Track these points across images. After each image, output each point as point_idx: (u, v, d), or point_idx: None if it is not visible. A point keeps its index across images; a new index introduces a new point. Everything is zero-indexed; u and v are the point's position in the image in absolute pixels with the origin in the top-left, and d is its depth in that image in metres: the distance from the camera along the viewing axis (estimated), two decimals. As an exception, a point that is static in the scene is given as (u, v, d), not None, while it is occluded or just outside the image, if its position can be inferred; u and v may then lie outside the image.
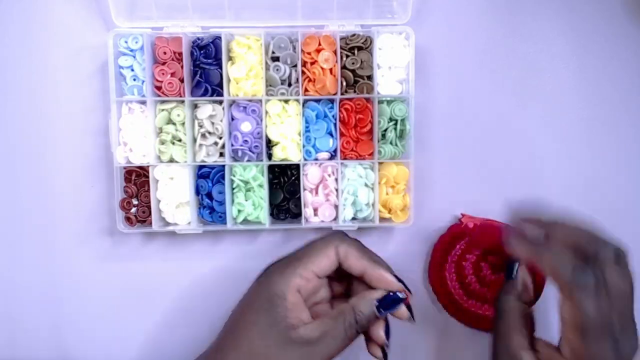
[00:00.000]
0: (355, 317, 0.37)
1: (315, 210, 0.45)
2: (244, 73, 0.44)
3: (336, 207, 0.45)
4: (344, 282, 0.41)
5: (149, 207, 0.45)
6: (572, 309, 0.33)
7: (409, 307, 0.39)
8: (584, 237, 0.35)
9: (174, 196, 0.45)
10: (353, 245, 0.39)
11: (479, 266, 0.46)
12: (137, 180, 0.45)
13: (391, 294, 0.38)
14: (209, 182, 0.45)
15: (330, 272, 0.39)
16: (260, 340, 0.36)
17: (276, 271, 0.38)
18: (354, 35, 0.44)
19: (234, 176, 0.45)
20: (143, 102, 0.44)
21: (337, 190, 0.45)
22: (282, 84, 0.45)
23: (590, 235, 0.35)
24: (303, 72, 0.44)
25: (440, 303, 0.47)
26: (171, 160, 0.45)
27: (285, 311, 0.36)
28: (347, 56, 0.44)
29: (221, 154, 0.45)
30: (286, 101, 0.45)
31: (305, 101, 0.45)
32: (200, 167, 0.45)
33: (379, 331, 0.38)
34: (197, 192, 0.45)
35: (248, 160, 0.45)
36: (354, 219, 0.46)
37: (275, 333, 0.36)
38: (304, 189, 0.45)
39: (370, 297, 0.37)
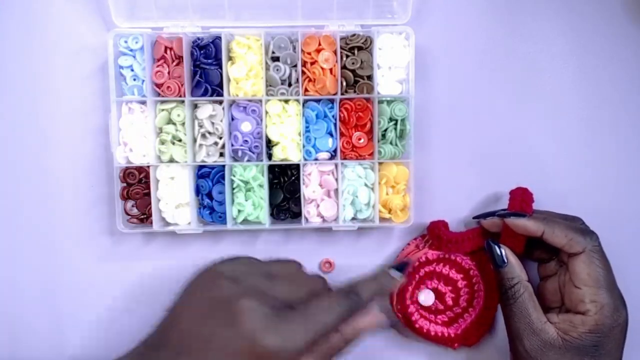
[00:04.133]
0: (342, 340, 0.37)
1: (316, 210, 0.45)
2: (244, 73, 0.44)
3: (336, 207, 0.45)
4: None
5: (149, 207, 0.45)
6: (588, 267, 0.40)
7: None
8: (570, 231, 0.41)
9: (174, 196, 0.45)
10: None
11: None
12: (137, 180, 0.45)
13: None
14: (209, 182, 0.45)
15: None
16: (219, 352, 0.33)
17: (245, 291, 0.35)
18: (354, 35, 0.44)
19: (234, 176, 0.45)
20: (143, 102, 0.44)
21: (337, 190, 0.45)
22: (282, 84, 0.45)
23: (573, 232, 0.41)
24: (303, 72, 0.44)
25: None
26: (171, 161, 0.45)
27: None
28: (347, 56, 0.44)
29: (221, 154, 0.45)
30: (286, 101, 0.45)
31: (305, 101, 0.45)
32: (200, 167, 0.45)
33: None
34: (197, 192, 0.45)
35: (248, 160, 0.45)
36: (353, 219, 0.46)
37: (240, 346, 0.33)
38: (304, 189, 0.45)
39: (359, 327, 0.38)
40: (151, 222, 0.45)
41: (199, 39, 0.44)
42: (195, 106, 0.45)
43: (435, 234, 0.46)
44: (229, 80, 0.44)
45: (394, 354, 0.48)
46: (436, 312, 0.46)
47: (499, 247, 0.43)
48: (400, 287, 0.44)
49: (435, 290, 0.46)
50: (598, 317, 0.39)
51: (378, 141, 0.44)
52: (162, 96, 0.44)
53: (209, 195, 0.45)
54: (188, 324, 0.35)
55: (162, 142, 0.45)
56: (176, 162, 0.45)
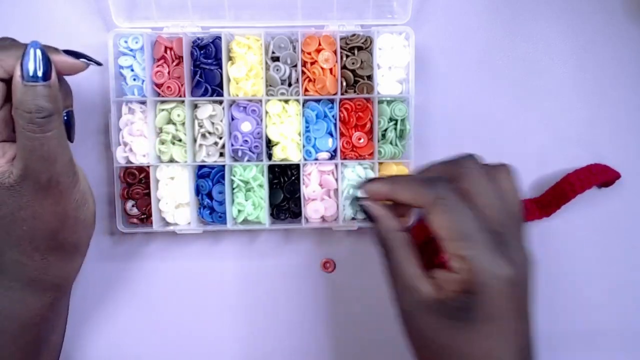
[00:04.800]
0: (23, 110, 0.33)
1: (316, 210, 0.45)
2: (244, 73, 0.44)
3: (336, 207, 0.45)
4: None
5: (149, 207, 0.45)
6: (441, 219, 0.32)
7: (82, 56, 0.37)
8: (447, 162, 0.35)
9: (174, 196, 0.45)
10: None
11: None
12: (137, 180, 0.45)
13: (24, 60, 0.33)
14: (209, 182, 0.45)
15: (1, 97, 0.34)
16: None
17: None
18: (354, 35, 0.44)
19: (234, 176, 0.45)
20: (143, 102, 0.44)
21: (337, 190, 0.45)
22: (282, 84, 0.45)
23: (452, 158, 0.35)
24: (303, 72, 0.44)
25: None
26: (171, 160, 0.45)
27: None
28: (347, 56, 0.44)
29: (221, 154, 0.45)
30: (286, 101, 0.45)
31: (305, 101, 0.45)
32: (200, 167, 0.45)
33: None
34: (197, 192, 0.45)
35: (248, 160, 0.45)
36: (353, 219, 0.46)
37: None
38: (304, 189, 0.45)
39: (16, 82, 0.33)
40: (151, 222, 0.45)
41: (199, 39, 0.44)
42: (195, 106, 0.45)
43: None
44: (229, 80, 0.44)
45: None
46: None
47: (365, 203, 0.36)
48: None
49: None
50: (465, 275, 0.31)
51: (378, 141, 0.44)
52: (162, 96, 0.44)
53: (209, 195, 0.45)
54: None
55: (162, 142, 0.45)
56: (176, 162, 0.45)
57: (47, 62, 0.33)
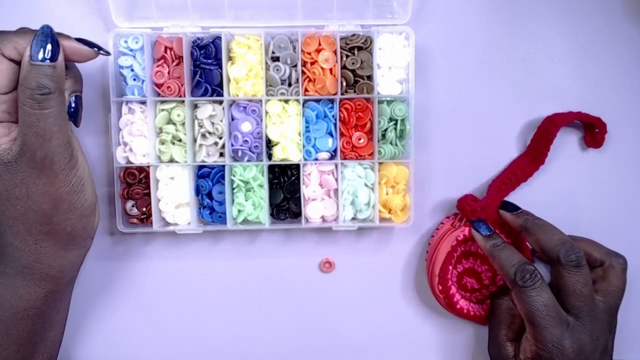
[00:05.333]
0: (25, 87, 0.35)
1: (316, 210, 0.45)
2: (244, 73, 0.44)
3: (336, 207, 0.45)
4: None
5: (149, 207, 0.45)
6: (519, 304, 0.41)
7: (93, 45, 0.39)
8: (555, 240, 0.42)
9: (174, 196, 0.45)
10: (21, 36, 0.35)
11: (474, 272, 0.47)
12: (137, 180, 0.45)
13: (35, 38, 0.35)
14: (209, 182, 0.45)
15: (11, 84, 0.36)
16: None
17: None
18: (354, 35, 0.44)
19: (234, 176, 0.45)
20: (143, 102, 0.44)
21: (337, 190, 0.45)
22: (282, 84, 0.45)
23: (560, 239, 0.42)
24: (303, 72, 0.44)
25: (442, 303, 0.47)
26: (171, 160, 0.45)
27: None
28: (347, 56, 0.44)
29: (221, 154, 0.45)
30: (286, 101, 0.45)
31: (305, 101, 0.45)
32: (200, 167, 0.45)
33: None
34: (197, 192, 0.45)
35: (248, 160, 0.45)
36: (353, 219, 0.46)
37: None
38: (304, 189, 0.45)
39: (25, 61, 0.35)
40: (151, 222, 0.45)
41: (199, 39, 0.44)
42: (195, 106, 0.45)
43: (461, 207, 0.46)
44: (229, 80, 0.44)
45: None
46: (472, 291, 0.47)
47: (483, 223, 0.45)
48: (441, 267, 0.45)
49: (471, 270, 0.47)
50: (534, 349, 0.40)
51: (378, 141, 0.44)
52: (162, 96, 0.44)
53: (209, 195, 0.45)
54: None
55: (162, 142, 0.45)
56: (176, 162, 0.45)
57: (54, 44, 0.35)
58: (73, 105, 0.38)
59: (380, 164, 0.45)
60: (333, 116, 0.45)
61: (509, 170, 0.47)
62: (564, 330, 0.40)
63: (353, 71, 0.44)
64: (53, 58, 0.35)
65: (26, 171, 0.35)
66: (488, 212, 0.45)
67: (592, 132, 0.47)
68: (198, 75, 0.44)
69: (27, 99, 0.34)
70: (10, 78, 0.36)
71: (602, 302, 0.42)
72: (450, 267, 0.46)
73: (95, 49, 0.38)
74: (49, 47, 0.35)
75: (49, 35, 0.35)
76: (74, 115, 0.39)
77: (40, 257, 0.37)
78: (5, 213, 0.36)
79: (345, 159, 0.45)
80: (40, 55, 0.35)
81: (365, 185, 0.45)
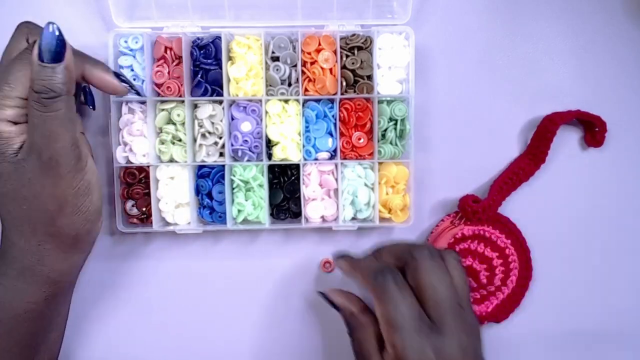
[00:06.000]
0: (34, 89, 0.34)
1: (315, 210, 0.45)
2: (244, 73, 0.44)
3: (336, 207, 0.45)
4: None
5: (149, 207, 0.45)
6: (379, 308, 0.36)
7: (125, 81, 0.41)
8: (403, 247, 0.38)
9: (174, 196, 0.45)
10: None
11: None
12: (137, 180, 0.45)
13: (40, 41, 0.34)
14: (209, 182, 0.45)
15: None
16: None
17: None
18: (354, 35, 0.44)
19: (234, 176, 0.45)
20: (143, 102, 0.44)
21: (337, 190, 0.45)
22: (282, 84, 0.45)
23: (408, 244, 0.39)
24: (303, 72, 0.44)
25: None
26: (171, 160, 0.45)
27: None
28: (347, 56, 0.44)
29: (221, 154, 0.45)
30: (286, 101, 0.45)
31: (305, 101, 0.45)
32: (200, 167, 0.45)
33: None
34: (197, 192, 0.45)
35: (248, 160, 0.45)
36: (353, 219, 0.46)
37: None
38: (304, 189, 0.45)
39: (33, 61, 0.34)
40: (151, 222, 0.45)
41: (199, 39, 0.44)
42: (195, 106, 0.45)
43: (462, 207, 0.46)
44: (229, 80, 0.44)
45: None
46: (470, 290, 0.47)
47: (325, 295, 0.43)
48: None
49: (469, 268, 0.47)
50: (394, 358, 0.35)
51: (378, 141, 0.44)
52: (162, 96, 0.44)
53: (209, 195, 0.45)
54: None
55: (162, 142, 0.45)
56: (176, 162, 0.45)
57: (61, 44, 0.34)
58: (87, 95, 0.40)
59: (380, 163, 0.45)
60: (333, 116, 0.45)
61: (510, 170, 0.47)
62: (428, 337, 0.34)
63: (353, 71, 0.44)
64: (59, 59, 0.34)
65: (33, 171, 0.35)
66: (489, 213, 0.45)
67: (592, 131, 0.47)
68: (199, 76, 0.44)
69: (34, 101, 0.34)
70: None
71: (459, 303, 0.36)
72: None
73: (127, 85, 0.40)
74: (55, 47, 0.34)
75: (55, 36, 0.34)
76: (92, 102, 0.41)
77: (43, 259, 0.37)
78: (12, 212, 0.37)
79: (345, 158, 0.45)
80: (47, 56, 0.34)
81: (365, 185, 0.45)
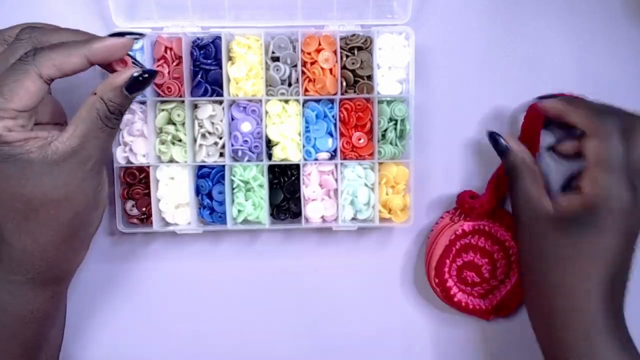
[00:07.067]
0: (107, 108, 0.35)
1: (316, 210, 0.45)
2: (244, 73, 0.44)
3: (336, 207, 0.45)
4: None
5: (149, 207, 0.45)
6: (599, 147, 0.38)
7: (125, 34, 0.38)
8: (626, 113, 0.40)
9: (174, 196, 0.45)
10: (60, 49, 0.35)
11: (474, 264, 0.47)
12: (137, 180, 0.45)
13: (135, 74, 0.35)
14: (209, 182, 0.45)
15: (36, 104, 0.35)
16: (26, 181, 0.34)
17: None
18: (354, 35, 0.44)
19: (234, 176, 0.45)
20: (143, 102, 0.44)
21: (337, 190, 0.45)
22: (282, 84, 0.45)
23: (628, 112, 0.40)
24: (303, 72, 0.44)
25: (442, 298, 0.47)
26: (171, 161, 0.45)
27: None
28: (347, 56, 0.44)
29: (221, 154, 0.45)
30: (286, 101, 0.45)
31: (305, 101, 0.45)
32: (200, 167, 0.45)
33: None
34: (197, 192, 0.45)
35: (248, 160, 0.45)
36: (353, 219, 0.46)
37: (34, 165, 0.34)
38: (304, 189, 0.45)
39: (116, 84, 0.35)
40: (151, 222, 0.45)
41: (199, 39, 0.44)
42: (195, 106, 0.45)
43: (460, 203, 0.46)
44: (229, 80, 0.44)
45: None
46: (472, 285, 0.47)
47: (500, 136, 0.44)
48: (438, 260, 0.45)
49: (471, 263, 0.47)
50: (591, 194, 0.38)
51: (378, 141, 0.44)
52: (162, 96, 0.44)
53: (209, 195, 0.45)
54: None
55: (162, 142, 0.45)
56: (176, 162, 0.45)
57: (148, 85, 0.37)
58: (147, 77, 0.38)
59: (380, 164, 0.45)
60: (333, 116, 0.45)
61: None
62: (628, 191, 0.37)
63: (353, 71, 0.44)
64: (139, 93, 0.37)
65: (70, 174, 0.35)
66: (487, 209, 0.45)
67: None
68: (199, 76, 0.44)
69: (105, 117, 0.35)
70: (38, 97, 0.34)
71: None
72: (448, 261, 0.46)
73: (130, 36, 0.38)
74: (145, 88, 0.37)
75: (150, 80, 0.36)
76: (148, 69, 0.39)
77: (57, 262, 0.37)
78: (30, 218, 0.35)
79: (345, 159, 0.45)
80: (134, 91, 0.36)
81: (365, 185, 0.45)
